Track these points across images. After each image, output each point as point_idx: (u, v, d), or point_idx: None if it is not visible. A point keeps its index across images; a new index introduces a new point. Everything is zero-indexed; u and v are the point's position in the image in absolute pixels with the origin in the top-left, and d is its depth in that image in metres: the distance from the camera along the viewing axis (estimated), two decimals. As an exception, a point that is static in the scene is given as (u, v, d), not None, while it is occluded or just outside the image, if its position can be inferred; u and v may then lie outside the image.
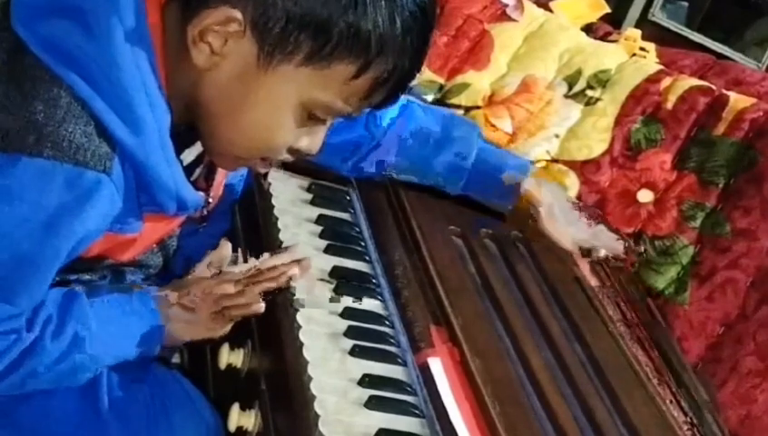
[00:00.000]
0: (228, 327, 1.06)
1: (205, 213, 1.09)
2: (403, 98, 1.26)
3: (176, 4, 0.91)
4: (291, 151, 0.98)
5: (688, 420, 1.13)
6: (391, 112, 1.28)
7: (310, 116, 0.94)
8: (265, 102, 0.92)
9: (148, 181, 0.92)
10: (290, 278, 1.05)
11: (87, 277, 1.02)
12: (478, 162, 1.32)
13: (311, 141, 0.98)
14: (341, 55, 0.89)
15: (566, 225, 1.34)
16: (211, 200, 1.08)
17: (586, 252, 1.34)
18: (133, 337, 1.00)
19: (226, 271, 1.08)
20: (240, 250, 1.14)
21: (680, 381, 1.20)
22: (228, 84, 0.91)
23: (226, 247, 1.11)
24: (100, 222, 0.91)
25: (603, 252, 1.35)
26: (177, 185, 0.95)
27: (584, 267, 1.34)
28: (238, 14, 0.87)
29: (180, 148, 0.98)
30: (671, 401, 1.14)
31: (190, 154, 1.01)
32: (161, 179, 0.93)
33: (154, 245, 1.07)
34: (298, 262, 1.06)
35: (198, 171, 1.04)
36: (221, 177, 1.10)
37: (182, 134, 0.97)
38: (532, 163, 1.43)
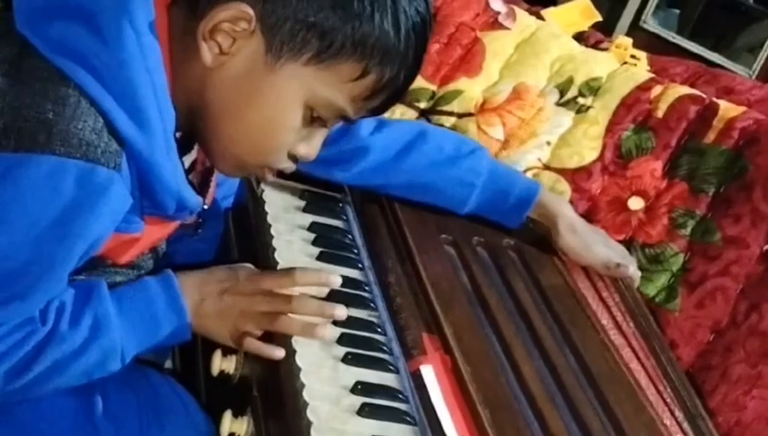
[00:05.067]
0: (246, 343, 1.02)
1: (200, 220, 1.09)
2: (420, 124, 1.32)
3: (182, 3, 0.92)
4: (290, 156, 1.00)
5: (681, 428, 1.13)
6: (404, 135, 1.28)
7: (312, 118, 0.96)
8: (271, 99, 0.94)
9: (152, 179, 0.93)
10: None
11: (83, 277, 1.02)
12: (488, 181, 1.29)
13: (309, 146, 1.00)
14: (346, 56, 0.92)
15: (588, 242, 1.32)
16: (206, 206, 1.08)
17: (614, 269, 1.33)
18: (158, 323, 0.99)
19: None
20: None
21: (674, 389, 1.21)
22: (235, 81, 0.93)
23: None
24: (113, 219, 0.92)
25: (632, 269, 1.34)
26: (179, 185, 0.96)
27: (579, 275, 1.34)
28: (250, 10, 0.89)
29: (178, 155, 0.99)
30: (663, 410, 1.14)
31: (185, 162, 1.02)
32: (164, 177, 0.94)
33: (148, 249, 1.07)
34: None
35: (190, 178, 1.04)
36: (214, 188, 1.11)
37: (180, 142, 0.97)
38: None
